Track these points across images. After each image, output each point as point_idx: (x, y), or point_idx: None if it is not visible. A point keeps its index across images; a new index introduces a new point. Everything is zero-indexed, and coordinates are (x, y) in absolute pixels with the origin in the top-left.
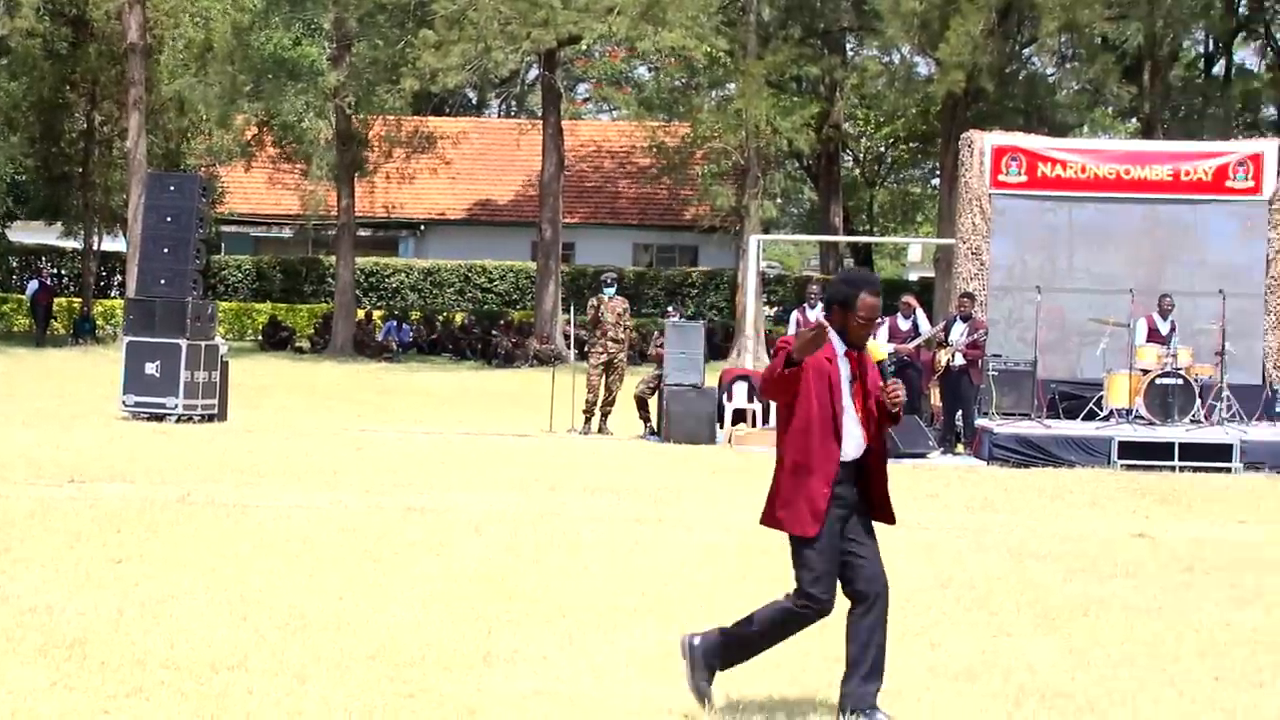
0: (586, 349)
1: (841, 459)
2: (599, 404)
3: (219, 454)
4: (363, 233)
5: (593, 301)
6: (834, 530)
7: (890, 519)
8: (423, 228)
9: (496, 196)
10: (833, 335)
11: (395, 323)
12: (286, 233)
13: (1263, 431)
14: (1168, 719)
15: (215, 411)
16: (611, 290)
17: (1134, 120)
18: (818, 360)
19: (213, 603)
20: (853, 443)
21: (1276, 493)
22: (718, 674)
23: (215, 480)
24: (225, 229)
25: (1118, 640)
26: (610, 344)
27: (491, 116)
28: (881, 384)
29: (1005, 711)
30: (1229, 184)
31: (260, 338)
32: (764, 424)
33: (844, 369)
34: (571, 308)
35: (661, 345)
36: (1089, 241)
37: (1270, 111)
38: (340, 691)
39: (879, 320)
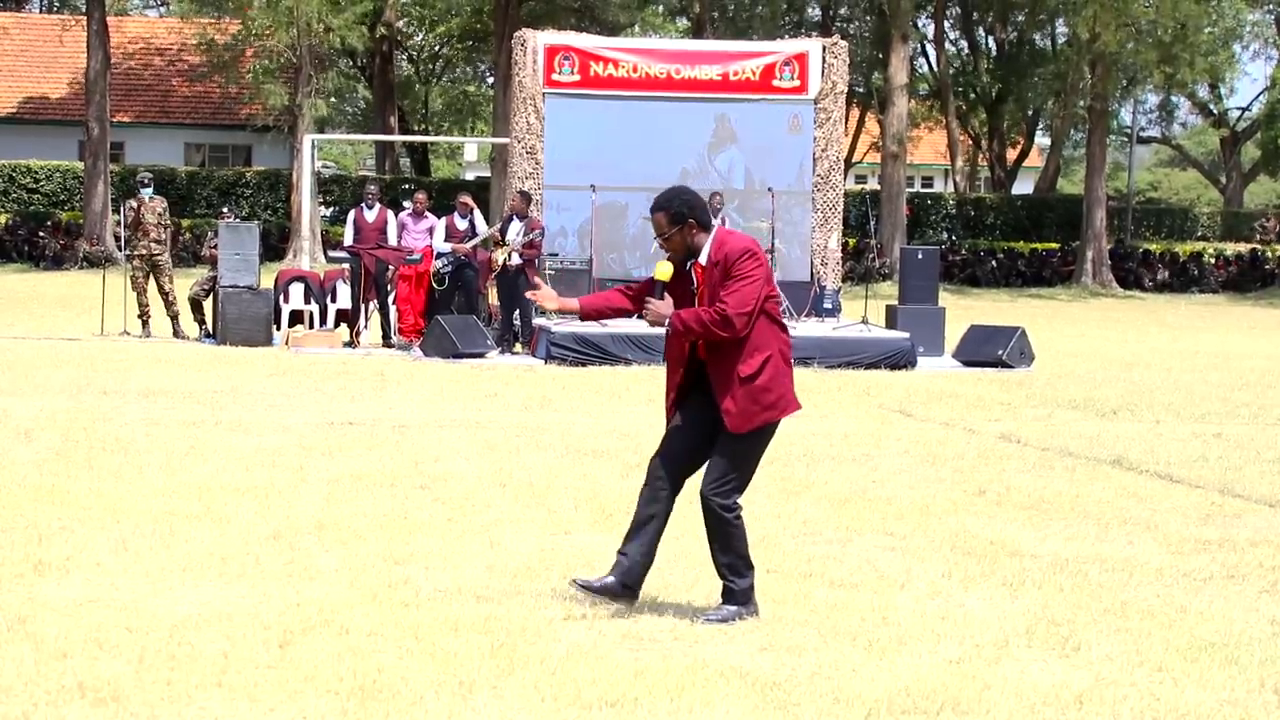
0: (128, 252)
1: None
2: (168, 311)
3: None
4: None
5: (131, 203)
6: (688, 424)
7: (732, 426)
8: None
9: (41, 94)
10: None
11: None
12: None
13: (811, 327)
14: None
15: None
16: (149, 190)
17: (684, 20)
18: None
19: None
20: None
21: (823, 388)
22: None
23: None
24: None
25: (673, 534)
26: (153, 245)
27: (33, 11)
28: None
29: (564, 608)
30: (776, 83)
31: None
32: (321, 325)
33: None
34: (122, 208)
35: (215, 246)
36: (642, 140)
37: (815, 12)
38: None
39: (661, 242)
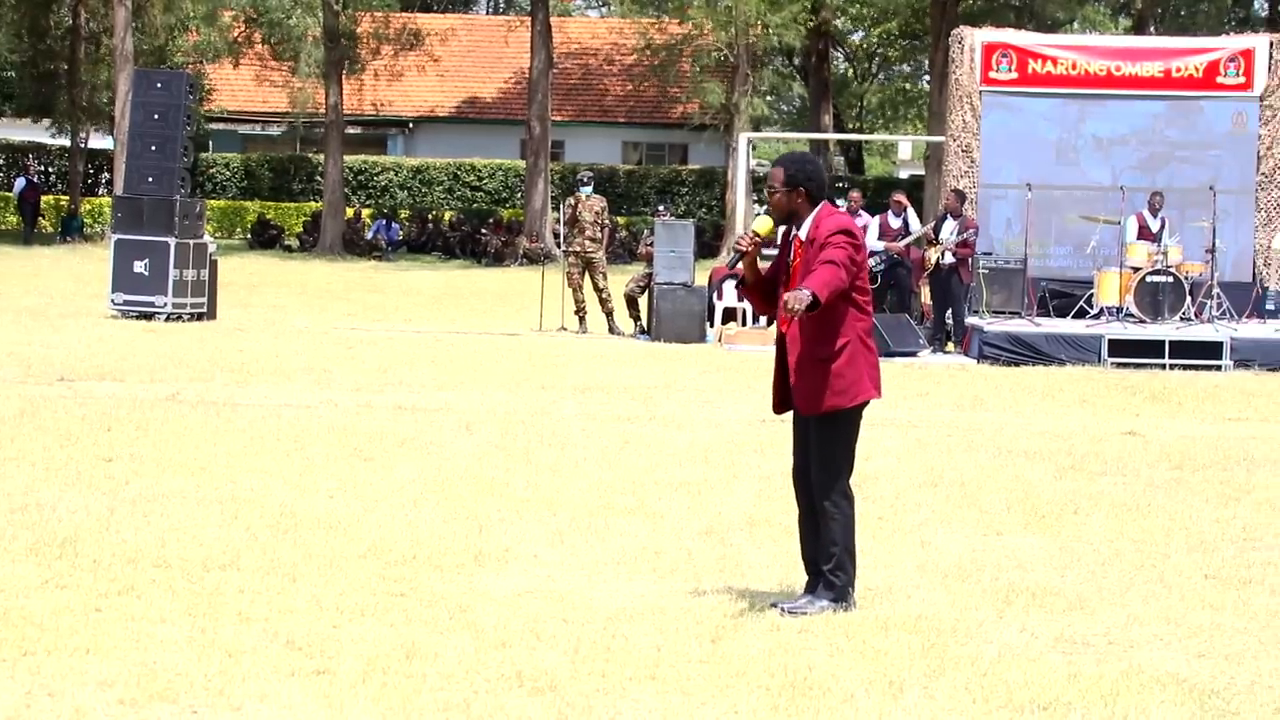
0: (564, 249)
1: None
2: (603, 308)
3: (209, 353)
4: (351, 130)
5: (570, 200)
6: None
7: (800, 406)
8: (411, 126)
9: (485, 94)
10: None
11: (384, 221)
12: (275, 131)
13: (1252, 329)
14: (1158, 616)
15: (205, 310)
16: (589, 189)
17: (1126, 16)
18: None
19: (203, 502)
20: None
21: (1265, 391)
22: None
23: (206, 379)
24: (213, 127)
25: (1108, 538)
26: (588, 243)
27: (479, 13)
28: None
29: (996, 609)
30: (1220, 80)
31: (249, 236)
32: (754, 323)
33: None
34: (560, 206)
35: (651, 244)
36: (1079, 138)
37: (1261, 7)
38: (331, 590)
39: (776, 195)
